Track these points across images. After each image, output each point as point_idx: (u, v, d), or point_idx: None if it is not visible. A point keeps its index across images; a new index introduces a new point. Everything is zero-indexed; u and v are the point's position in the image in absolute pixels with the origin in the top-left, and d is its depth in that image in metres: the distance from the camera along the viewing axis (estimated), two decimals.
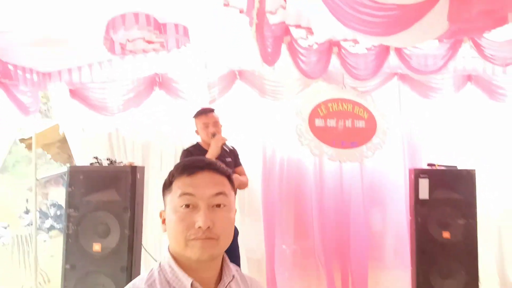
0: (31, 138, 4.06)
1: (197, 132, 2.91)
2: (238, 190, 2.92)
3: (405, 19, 1.76)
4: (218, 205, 0.87)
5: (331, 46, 2.87)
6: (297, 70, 2.74)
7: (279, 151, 3.80)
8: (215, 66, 3.62)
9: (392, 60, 3.31)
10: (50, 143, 4.59)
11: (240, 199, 3.75)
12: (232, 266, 0.97)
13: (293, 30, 2.39)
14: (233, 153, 2.95)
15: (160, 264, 0.91)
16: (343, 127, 3.81)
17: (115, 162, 3.15)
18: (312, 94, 3.76)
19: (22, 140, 4.45)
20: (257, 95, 3.72)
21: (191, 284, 0.85)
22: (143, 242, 3.50)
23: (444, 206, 3.46)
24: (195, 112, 2.94)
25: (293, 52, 2.58)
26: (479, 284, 3.46)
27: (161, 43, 2.71)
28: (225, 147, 2.76)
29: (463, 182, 3.47)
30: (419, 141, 4.04)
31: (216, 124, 2.80)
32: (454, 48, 2.90)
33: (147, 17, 2.39)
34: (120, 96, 3.60)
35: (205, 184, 0.87)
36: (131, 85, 3.60)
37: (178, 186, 0.88)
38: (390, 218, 3.96)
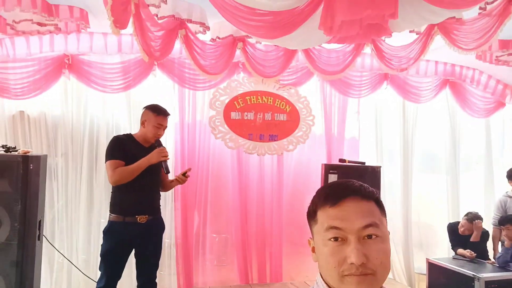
0: None
1: (143, 124, 2.69)
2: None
3: (282, 24, 1.76)
4: (370, 236, 0.80)
5: (235, 41, 2.83)
6: (194, 64, 2.68)
7: (197, 144, 3.77)
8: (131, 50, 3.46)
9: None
10: None
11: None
12: None
13: (189, 25, 2.31)
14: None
15: None
16: (262, 120, 3.84)
17: (12, 149, 2.95)
18: (230, 86, 3.73)
19: None
20: (175, 84, 3.64)
21: None
22: (47, 233, 3.39)
23: None
24: (151, 105, 2.73)
25: (189, 46, 2.51)
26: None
27: (55, 26, 2.53)
28: (157, 142, 2.67)
29: (369, 177, 3.64)
30: (341, 136, 4.19)
31: (165, 129, 2.71)
32: (357, 49, 2.98)
33: None
34: (25, 78, 3.35)
35: (352, 215, 0.80)
36: (36, 66, 3.36)
37: (324, 218, 0.82)
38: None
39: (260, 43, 2.95)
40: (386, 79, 4.12)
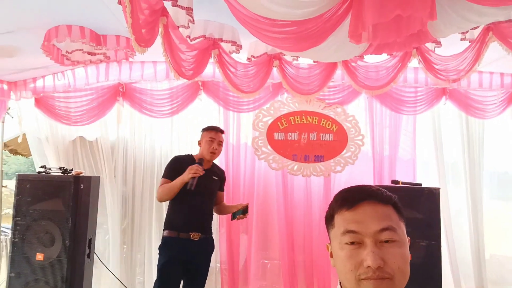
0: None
1: (199, 143, 2.86)
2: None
3: (308, 34, 1.69)
4: (387, 241, 0.79)
5: (271, 59, 2.81)
6: (227, 82, 2.70)
7: (243, 165, 3.76)
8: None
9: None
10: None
11: None
12: None
13: (222, 44, 2.35)
14: (221, 175, 2.96)
15: None
16: (307, 140, 3.73)
17: (68, 170, 3.17)
18: (274, 107, 3.70)
19: None
20: (220, 107, 3.71)
21: None
22: (98, 251, 3.54)
23: (407, 227, 3.30)
24: (206, 126, 2.92)
25: (223, 65, 2.53)
26: None
27: (104, 54, 2.72)
28: (215, 165, 2.90)
29: (427, 201, 3.31)
30: (392, 157, 3.92)
31: (220, 144, 2.81)
32: (403, 61, 2.79)
33: (81, 29, 2.41)
34: (84, 105, 3.64)
35: (368, 219, 0.80)
36: (94, 95, 3.64)
37: (340, 222, 0.83)
38: None
39: (297, 59, 2.90)
40: (445, 94, 3.80)
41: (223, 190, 3.05)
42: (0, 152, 3.72)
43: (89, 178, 3.04)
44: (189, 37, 2.11)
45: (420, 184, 3.44)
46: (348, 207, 0.82)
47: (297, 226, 3.79)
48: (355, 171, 3.82)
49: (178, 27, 1.87)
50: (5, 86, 3.52)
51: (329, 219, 0.87)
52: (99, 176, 3.36)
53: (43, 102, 3.62)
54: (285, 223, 3.75)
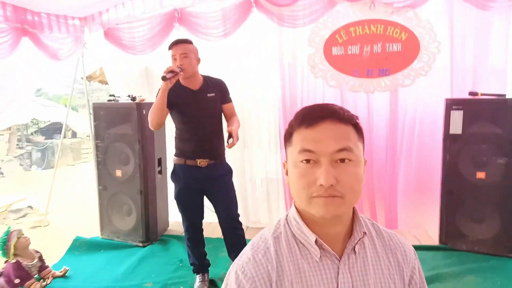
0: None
1: None
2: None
3: None
4: (343, 160, 0.77)
5: None
6: None
7: (300, 85, 3.63)
8: None
9: None
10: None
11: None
12: (366, 220, 0.91)
13: None
14: (219, 87, 2.52)
15: (287, 216, 0.89)
16: (370, 53, 3.39)
17: (132, 97, 3.44)
18: (331, 18, 3.38)
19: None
20: (275, 24, 3.52)
21: (315, 241, 0.81)
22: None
23: (481, 142, 2.95)
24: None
25: None
26: None
27: None
28: (208, 80, 2.48)
29: (509, 114, 2.87)
30: (475, 66, 3.38)
31: (185, 56, 2.35)
32: None
33: None
34: (145, 34, 3.79)
35: (326, 138, 0.77)
36: (154, 23, 3.75)
37: (298, 140, 0.80)
38: (427, 153, 3.54)
39: None
40: None
41: (228, 102, 2.58)
42: (84, 84, 4.18)
43: (151, 104, 3.26)
44: None
45: (504, 95, 2.97)
46: (308, 125, 0.80)
47: None
48: (426, 84, 3.41)
49: None
50: (77, 22, 3.81)
51: (288, 137, 0.85)
52: None
53: (111, 34, 3.87)
54: None
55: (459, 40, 3.34)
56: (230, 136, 2.32)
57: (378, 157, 3.62)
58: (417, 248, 3.14)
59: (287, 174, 0.86)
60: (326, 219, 0.79)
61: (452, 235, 3.11)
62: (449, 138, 3.05)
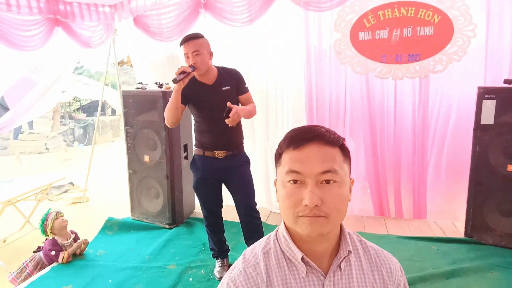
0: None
1: None
2: None
3: None
4: (328, 181, 0.81)
5: None
6: None
7: (326, 71, 3.57)
8: None
9: None
10: None
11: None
12: (354, 237, 0.95)
13: None
14: (234, 79, 2.50)
15: (277, 232, 0.94)
16: (399, 37, 3.25)
17: (159, 84, 3.54)
18: (359, 1, 3.25)
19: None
20: (301, 9, 3.44)
21: (302, 258, 0.85)
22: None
23: None
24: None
25: None
26: None
27: None
28: (222, 72, 2.47)
29: None
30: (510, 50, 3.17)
31: (198, 54, 2.32)
32: None
33: None
34: (172, 21, 3.83)
35: (312, 159, 0.81)
36: (180, 9, 3.77)
37: (286, 160, 0.84)
38: (460, 143, 3.41)
39: None
40: None
41: (244, 92, 2.54)
42: (115, 70, 4.32)
43: None
44: None
45: None
46: (295, 147, 0.84)
47: (385, 139, 3.56)
48: (458, 71, 3.25)
49: None
50: (107, 9, 3.91)
51: (277, 157, 0.89)
52: None
53: (139, 21, 3.95)
54: (370, 136, 3.57)
55: (495, 23, 3.14)
56: (229, 110, 2.25)
57: (405, 146, 3.54)
58: (441, 240, 3.11)
59: (277, 192, 0.90)
60: (312, 237, 0.82)
61: (478, 228, 3.03)
62: (480, 128, 2.92)
